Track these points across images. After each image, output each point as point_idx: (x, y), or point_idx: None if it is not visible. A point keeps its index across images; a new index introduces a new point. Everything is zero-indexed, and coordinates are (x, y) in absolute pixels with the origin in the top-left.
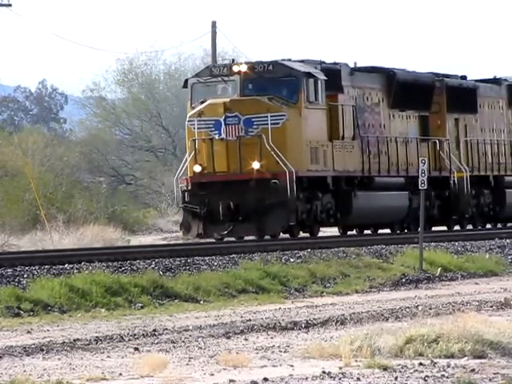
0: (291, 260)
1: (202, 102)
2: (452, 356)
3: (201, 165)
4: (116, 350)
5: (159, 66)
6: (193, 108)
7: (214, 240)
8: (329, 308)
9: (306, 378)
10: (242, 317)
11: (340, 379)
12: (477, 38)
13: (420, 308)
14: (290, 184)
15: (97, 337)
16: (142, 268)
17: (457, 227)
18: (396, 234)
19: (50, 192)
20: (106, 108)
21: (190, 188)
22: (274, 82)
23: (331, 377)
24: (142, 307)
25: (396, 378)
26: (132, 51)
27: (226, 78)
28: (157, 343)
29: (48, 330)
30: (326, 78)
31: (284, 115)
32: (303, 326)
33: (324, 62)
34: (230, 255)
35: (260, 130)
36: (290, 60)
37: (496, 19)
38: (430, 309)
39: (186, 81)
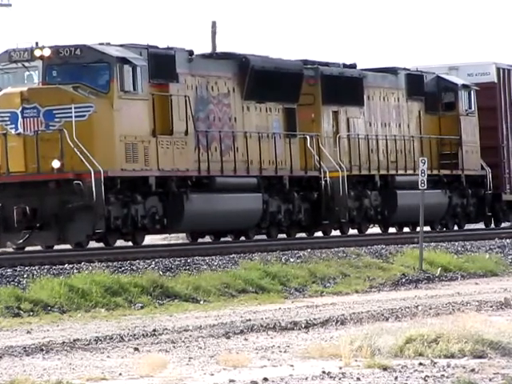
0: (291, 260)
1: None
2: (452, 356)
3: None
4: (116, 350)
5: None
6: None
7: (210, 240)
8: (329, 308)
9: (306, 378)
10: (241, 317)
11: (340, 379)
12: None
13: (420, 308)
14: (97, 185)
15: (97, 337)
16: (142, 268)
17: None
18: (396, 234)
19: None
20: None
21: None
22: (82, 68)
23: (331, 377)
24: (141, 307)
25: (396, 378)
26: None
27: (27, 64)
28: (157, 343)
29: (48, 330)
30: (145, 64)
31: (91, 106)
32: (303, 325)
33: (155, 47)
34: (230, 255)
35: (62, 124)
36: (108, 44)
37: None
38: (430, 309)
39: None
